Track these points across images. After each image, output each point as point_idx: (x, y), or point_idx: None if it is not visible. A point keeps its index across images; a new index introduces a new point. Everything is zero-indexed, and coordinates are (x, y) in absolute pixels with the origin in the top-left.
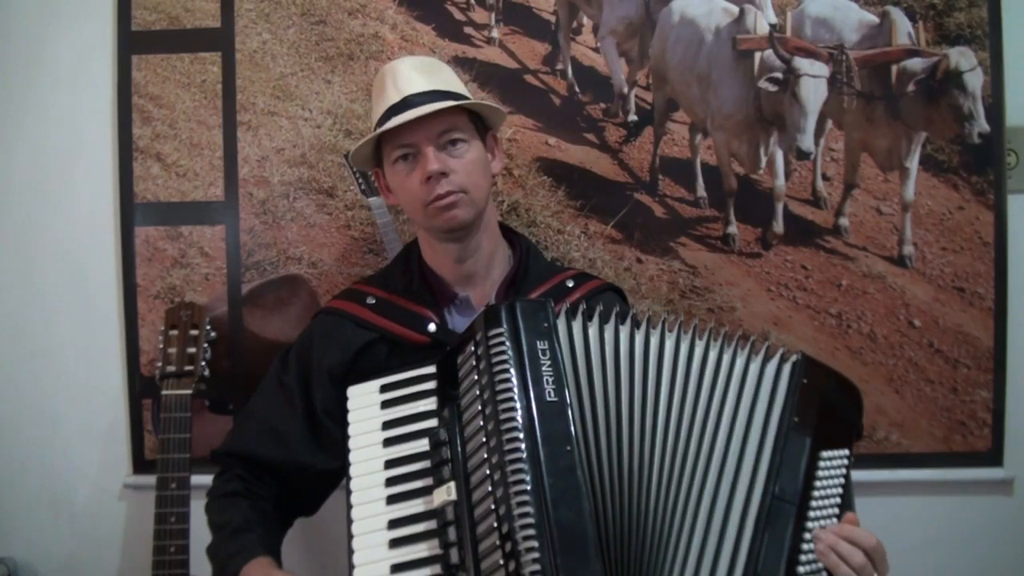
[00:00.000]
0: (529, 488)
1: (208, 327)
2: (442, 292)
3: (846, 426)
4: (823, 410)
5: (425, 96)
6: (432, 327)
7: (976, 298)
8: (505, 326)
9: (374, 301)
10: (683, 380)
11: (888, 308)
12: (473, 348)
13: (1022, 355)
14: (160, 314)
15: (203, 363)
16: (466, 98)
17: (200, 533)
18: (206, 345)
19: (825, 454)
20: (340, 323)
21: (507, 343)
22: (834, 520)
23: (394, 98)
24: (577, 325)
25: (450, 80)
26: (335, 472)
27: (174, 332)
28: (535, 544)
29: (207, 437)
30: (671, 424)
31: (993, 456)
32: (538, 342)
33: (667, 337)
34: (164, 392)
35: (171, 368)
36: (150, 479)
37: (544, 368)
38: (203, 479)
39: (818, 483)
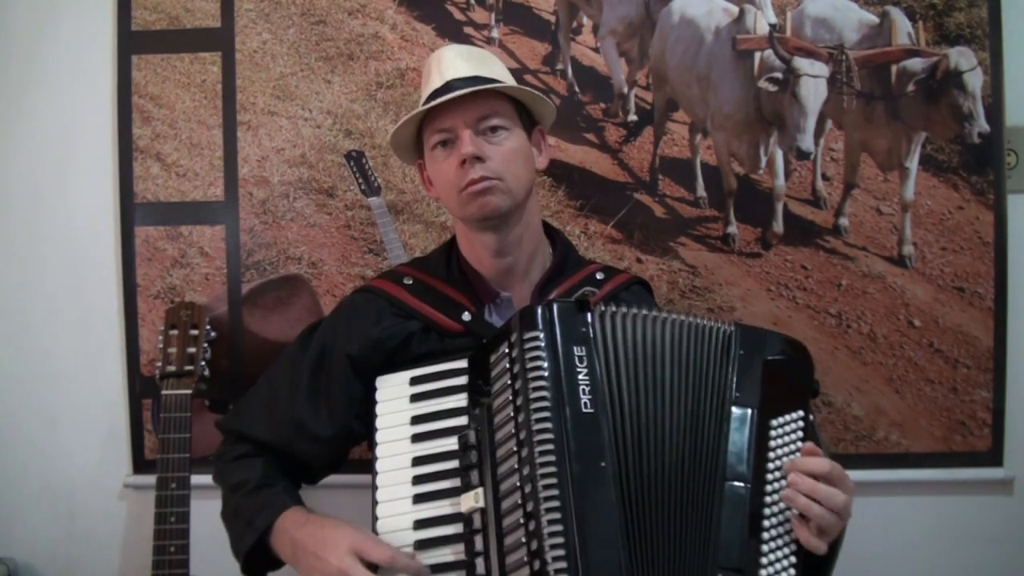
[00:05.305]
0: (560, 505)
1: (208, 327)
2: (483, 289)
3: (796, 388)
4: (766, 377)
5: (467, 81)
6: (467, 316)
7: (976, 298)
8: (542, 329)
9: (411, 282)
10: (694, 376)
11: (888, 308)
12: (507, 349)
13: (1022, 355)
14: (160, 314)
15: (203, 363)
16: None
17: (200, 533)
18: (206, 345)
19: (775, 422)
20: (373, 303)
21: (543, 349)
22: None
23: (436, 83)
24: (609, 325)
25: (497, 69)
26: (337, 447)
27: (174, 332)
28: (564, 565)
29: (207, 437)
30: (684, 424)
31: (993, 456)
32: (575, 348)
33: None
34: (164, 392)
35: (171, 368)
36: (150, 479)
37: (580, 377)
38: (203, 479)
39: (771, 453)
